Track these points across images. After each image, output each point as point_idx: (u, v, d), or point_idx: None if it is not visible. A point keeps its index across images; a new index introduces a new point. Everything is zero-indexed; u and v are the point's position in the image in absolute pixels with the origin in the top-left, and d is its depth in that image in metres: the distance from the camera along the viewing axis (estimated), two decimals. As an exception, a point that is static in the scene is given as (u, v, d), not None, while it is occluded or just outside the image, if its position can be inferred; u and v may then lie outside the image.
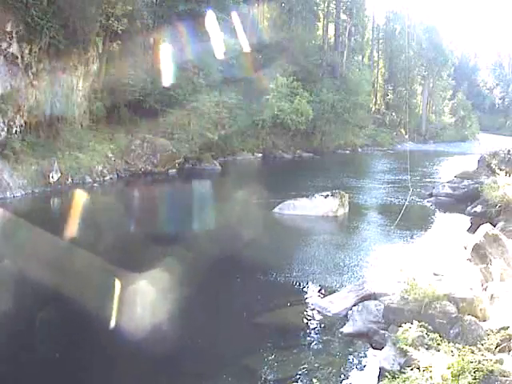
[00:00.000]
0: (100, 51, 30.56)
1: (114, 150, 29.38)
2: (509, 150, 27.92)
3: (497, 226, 16.06)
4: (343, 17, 63.16)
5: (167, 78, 33.79)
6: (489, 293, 10.43)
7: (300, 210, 20.71)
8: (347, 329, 10.50)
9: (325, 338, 10.46)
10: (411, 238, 18.33)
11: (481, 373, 6.87)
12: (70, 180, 25.12)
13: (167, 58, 34.52)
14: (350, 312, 11.01)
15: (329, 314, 11.29)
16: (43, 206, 22.40)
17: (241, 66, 40.88)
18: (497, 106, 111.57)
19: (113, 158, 29.01)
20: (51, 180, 23.94)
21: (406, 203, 20.29)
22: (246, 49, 42.18)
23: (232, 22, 40.61)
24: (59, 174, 24.45)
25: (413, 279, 10.09)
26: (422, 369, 7.18)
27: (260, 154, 42.73)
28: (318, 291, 12.75)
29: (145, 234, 17.99)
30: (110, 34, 30.72)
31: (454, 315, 9.12)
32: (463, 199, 23.72)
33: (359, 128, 55.77)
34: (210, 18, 36.54)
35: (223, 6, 39.96)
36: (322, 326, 10.97)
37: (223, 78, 38.23)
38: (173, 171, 31.13)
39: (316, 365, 9.31)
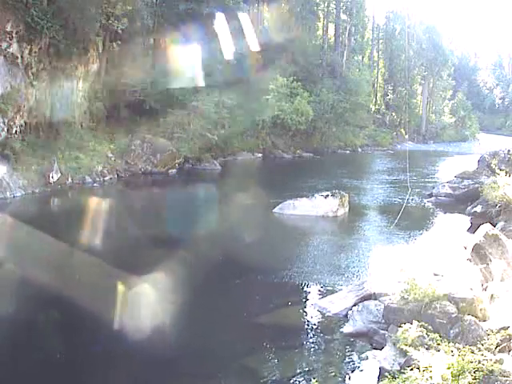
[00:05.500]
0: (100, 51, 30.56)
1: (113, 150, 29.37)
2: (509, 150, 27.94)
3: (497, 226, 16.05)
4: (343, 17, 63.14)
5: (167, 78, 33.83)
6: (489, 293, 10.43)
7: (300, 209, 20.71)
8: (347, 329, 10.51)
9: (325, 338, 10.46)
10: (411, 238, 18.33)
11: (481, 373, 6.88)
12: (69, 180, 25.10)
13: (167, 58, 34.53)
14: (350, 312, 11.02)
15: (329, 313, 11.29)
16: (43, 206, 22.37)
17: (241, 66, 40.85)
18: (497, 106, 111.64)
19: (113, 158, 29.00)
20: (51, 180, 23.93)
21: (405, 203, 20.31)
22: (246, 49, 42.20)
23: (231, 22, 40.62)
24: (59, 174, 24.43)
25: (413, 279, 10.10)
26: (421, 369, 7.18)
27: (260, 154, 42.72)
28: (318, 291, 12.75)
29: (145, 234, 17.98)
30: (109, 33, 30.71)
31: (454, 315, 9.12)
32: (463, 199, 23.72)
33: (359, 128, 55.75)
34: (211, 18, 36.58)
35: (223, 6, 39.93)
36: (322, 325, 10.97)
37: (223, 78, 38.21)
38: (173, 171, 31.11)
39: (316, 365, 9.32)
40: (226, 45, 37.28)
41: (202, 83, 35.89)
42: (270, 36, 50.48)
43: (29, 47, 24.77)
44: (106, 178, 27.39)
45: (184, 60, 35.03)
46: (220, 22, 38.11)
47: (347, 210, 21.38)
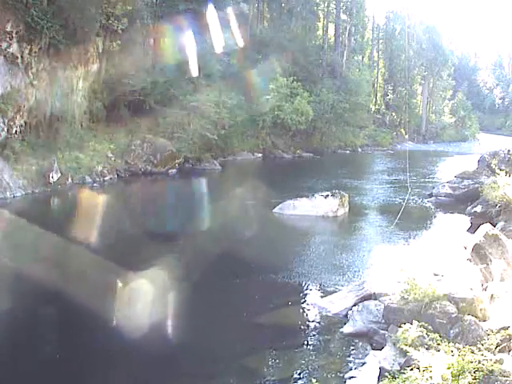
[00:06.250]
0: (100, 51, 30.56)
1: (113, 150, 29.37)
2: (509, 150, 27.94)
3: (497, 226, 16.05)
4: (343, 17, 63.15)
5: (167, 78, 33.87)
6: (489, 293, 10.42)
7: (300, 209, 20.71)
8: (347, 329, 10.50)
9: (325, 338, 10.46)
10: (411, 238, 18.32)
11: (481, 373, 6.87)
12: (70, 180, 25.10)
13: (167, 58, 34.56)
14: (350, 312, 11.02)
15: (329, 314, 11.30)
16: (43, 206, 22.39)
17: (241, 65, 40.87)
18: (497, 106, 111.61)
19: (113, 158, 29.01)
20: (51, 180, 23.92)
21: (405, 203, 20.30)
22: (246, 49, 42.20)
23: (231, 21, 40.66)
24: (59, 174, 24.43)
25: (413, 279, 10.09)
26: (421, 369, 7.17)
27: (260, 154, 42.73)
28: (318, 291, 12.75)
29: (145, 234, 17.97)
30: (110, 33, 30.70)
31: (454, 315, 9.12)
32: (463, 199, 23.72)
33: (359, 128, 55.73)
34: (210, 14, 36.60)
35: (223, 6, 39.97)
36: (322, 326, 10.97)
37: (223, 77, 38.23)
38: (173, 171, 31.11)
39: (316, 365, 9.31)
40: (220, 42, 37.40)
41: (201, 82, 35.95)
42: (270, 35, 50.59)
43: (29, 47, 24.75)
44: (106, 178, 27.39)
45: (183, 59, 35.09)
46: (220, 21, 38.13)
47: (347, 209, 21.38)
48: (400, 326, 8.84)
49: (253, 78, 41.05)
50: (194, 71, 35.65)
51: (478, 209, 20.70)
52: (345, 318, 10.95)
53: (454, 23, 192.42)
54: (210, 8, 37.41)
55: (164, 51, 35.02)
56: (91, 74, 30.20)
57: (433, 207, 24.38)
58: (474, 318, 8.99)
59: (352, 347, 10.01)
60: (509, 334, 8.37)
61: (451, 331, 8.88)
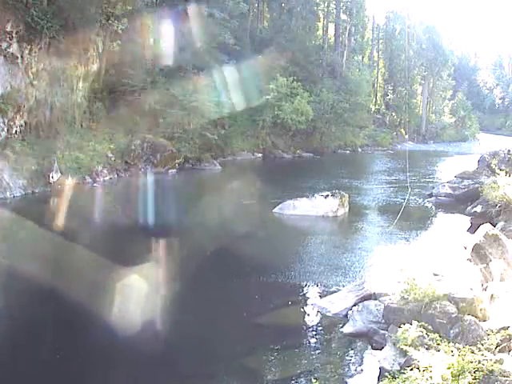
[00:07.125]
0: (100, 51, 30.55)
1: (113, 150, 29.36)
2: (509, 150, 27.96)
3: (497, 226, 16.06)
4: (343, 17, 63.14)
5: (167, 78, 33.89)
6: (489, 293, 10.43)
7: (300, 209, 20.71)
8: (347, 329, 10.51)
9: (325, 338, 10.46)
10: (411, 238, 18.33)
11: (481, 373, 6.88)
12: (69, 180, 25.08)
13: (167, 58, 34.58)
14: (350, 312, 11.03)
15: (329, 313, 11.30)
16: (43, 206, 22.35)
17: (240, 65, 40.85)
18: (497, 106, 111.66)
19: (113, 158, 29.00)
20: (51, 180, 23.91)
21: (405, 203, 20.32)
22: (246, 48, 42.20)
23: (231, 21, 40.66)
24: (59, 174, 24.42)
25: (413, 279, 10.10)
26: (421, 369, 7.18)
27: (260, 154, 42.73)
28: (318, 291, 12.74)
29: (145, 234, 17.99)
30: (110, 33, 30.69)
31: (454, 315, 9.12)
32: (463, 199, 23.72)
33: (359, 128, 55.71)
34: (210, 14, 36.68)
35: (223, 6, 39.97)
36: (322, 325, 10.97)
37: (223, 77, 38.23)
38: (173, 171, 31.12)
39: (316, 365, 9.31)
40: (220, 42, 37.47)
41: (201, 82, 35.97)
42: (270, 35, 50.59)
43: (29, 47, 24.74)
44: (106, 178, 27.39)
45: (183, 59, 35.11)
46: (219, 21, 38.17)
47: (347, 210, 21.38)
48: (400, 326, 8.84)
49: (252, 77, 41.02)
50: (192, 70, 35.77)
51: (478, 209, 20.71)
52: (345, 318, 10.95)
53: (454, 23, 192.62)
54: (210, 8, 37.42)
55: (163, 51, 35.04)
56: (91, 74, 30.18)
57: (433, 207, 24.38)
58: (473, 318, 8.99)
59: (352, 347, 10.01)
60: (509, 334, 8.38)
61: (451, 331, 8.88)
